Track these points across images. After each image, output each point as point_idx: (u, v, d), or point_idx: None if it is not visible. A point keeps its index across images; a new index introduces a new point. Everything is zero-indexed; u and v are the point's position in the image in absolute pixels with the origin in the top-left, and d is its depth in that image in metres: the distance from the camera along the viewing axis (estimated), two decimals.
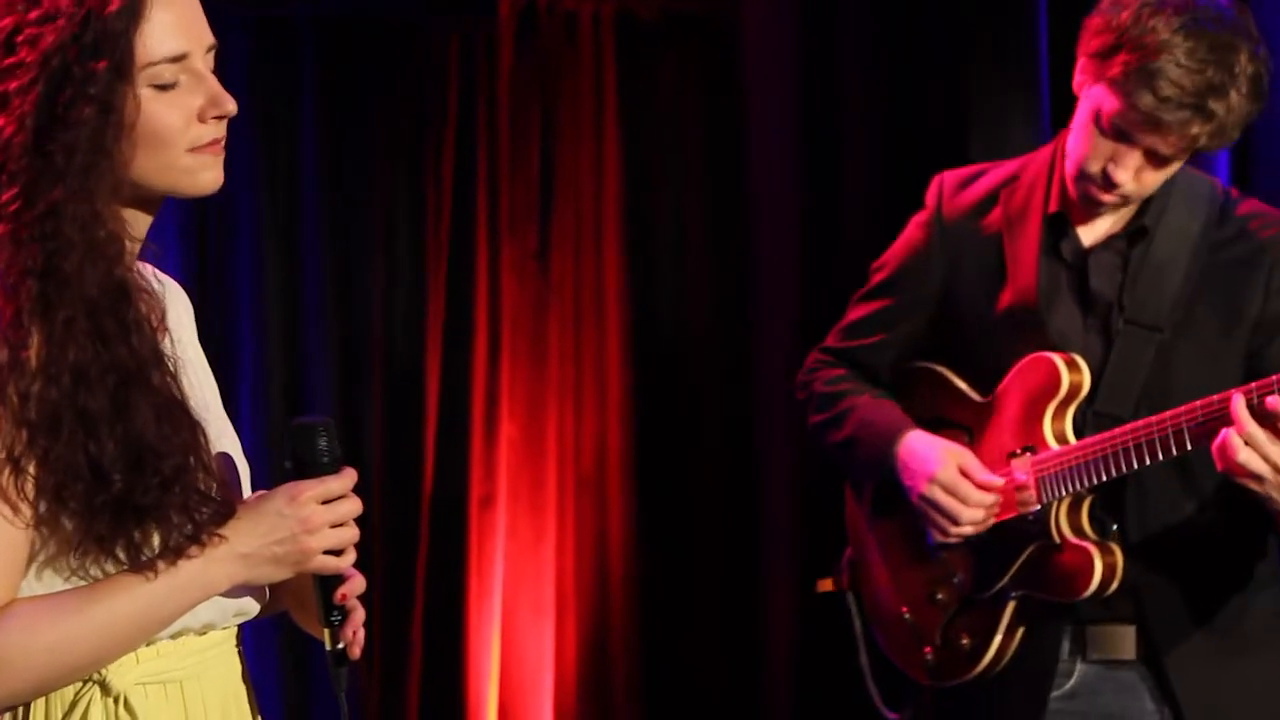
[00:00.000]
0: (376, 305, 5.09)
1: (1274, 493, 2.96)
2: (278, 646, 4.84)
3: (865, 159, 4.82)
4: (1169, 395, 3.07)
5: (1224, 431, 2.95)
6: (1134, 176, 3.11)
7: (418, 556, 5.03)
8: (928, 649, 3.36)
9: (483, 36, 5.10)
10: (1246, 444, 2.92)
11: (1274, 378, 2.92)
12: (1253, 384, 2.94)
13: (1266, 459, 2.92)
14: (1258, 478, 2.94)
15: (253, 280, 5.01)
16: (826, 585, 3.60)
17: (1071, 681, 3.25)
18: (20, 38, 2.12)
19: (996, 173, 3.39)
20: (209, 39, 2.22)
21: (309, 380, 5.05)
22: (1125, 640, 3.22)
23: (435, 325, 5.09)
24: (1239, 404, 2.92)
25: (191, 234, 4.89)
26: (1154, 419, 3.04)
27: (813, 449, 3.56)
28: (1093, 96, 3.13)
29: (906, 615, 3.40)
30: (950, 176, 3.44)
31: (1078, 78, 3.19)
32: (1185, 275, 3.19)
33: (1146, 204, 3.21)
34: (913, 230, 3.46)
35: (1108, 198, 3.15)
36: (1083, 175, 3.16)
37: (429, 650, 5.06)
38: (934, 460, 3.26)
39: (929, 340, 3.43)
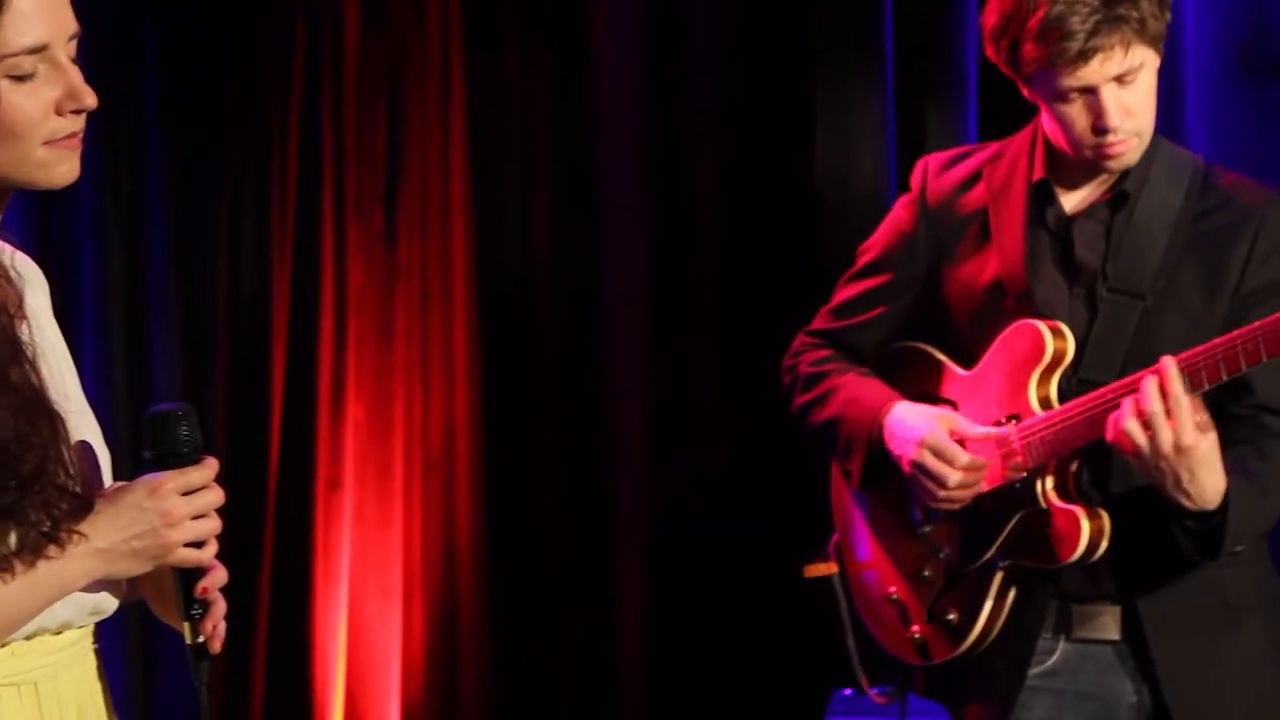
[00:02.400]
0: (220, 288, 5.04)
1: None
2: (123, 640, 4.78)
3: (712, 133, 4.85)
4: (1152, 361, 3.06)
5: None
6: (1122, 112, 3.13)
7: (263, 540, 4.99)
8: (915, 627, 3.35)
9: (328, 16, 5.05)
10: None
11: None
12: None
13: None
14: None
15: (94, 264, 4.94)
16: (816, 570, 3.54)
17: (1052, 659, 3.25)
18: None
19: (980, 154, 3.40)
20: (71, 26, 2.15)
21: (153, 365, 4.99)
22: (1109, 621, 3.23)
23: (280, 307, 5.04)
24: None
25: (32, 216, 4.81)
26: (1140, 374, 3.06)
27: (801, 432, 3.49)
28: (1040, 91, 3.18)
29: (894, 594, 3.38)
30: (935, 159, 3.45)
31: (1026, 90, 3.23)
32: (1168, 243, 3.20)
33: (1127, 170, 3.23)
34: (898, 212, 3.46)
35: (1118, 144, 3.15)
36: (1082, 145, 3.17)
37: (274, 634, 5.01)
38: (922, 426, 3.25)
39: (916, 320, 3.42)
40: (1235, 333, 2.99)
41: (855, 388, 3.39)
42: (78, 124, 2.15)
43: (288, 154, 5.04)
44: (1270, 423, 3.16)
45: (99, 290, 4.93)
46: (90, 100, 2.14)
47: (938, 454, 3.23)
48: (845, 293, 3.49)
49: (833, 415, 3.40)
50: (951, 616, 3.30)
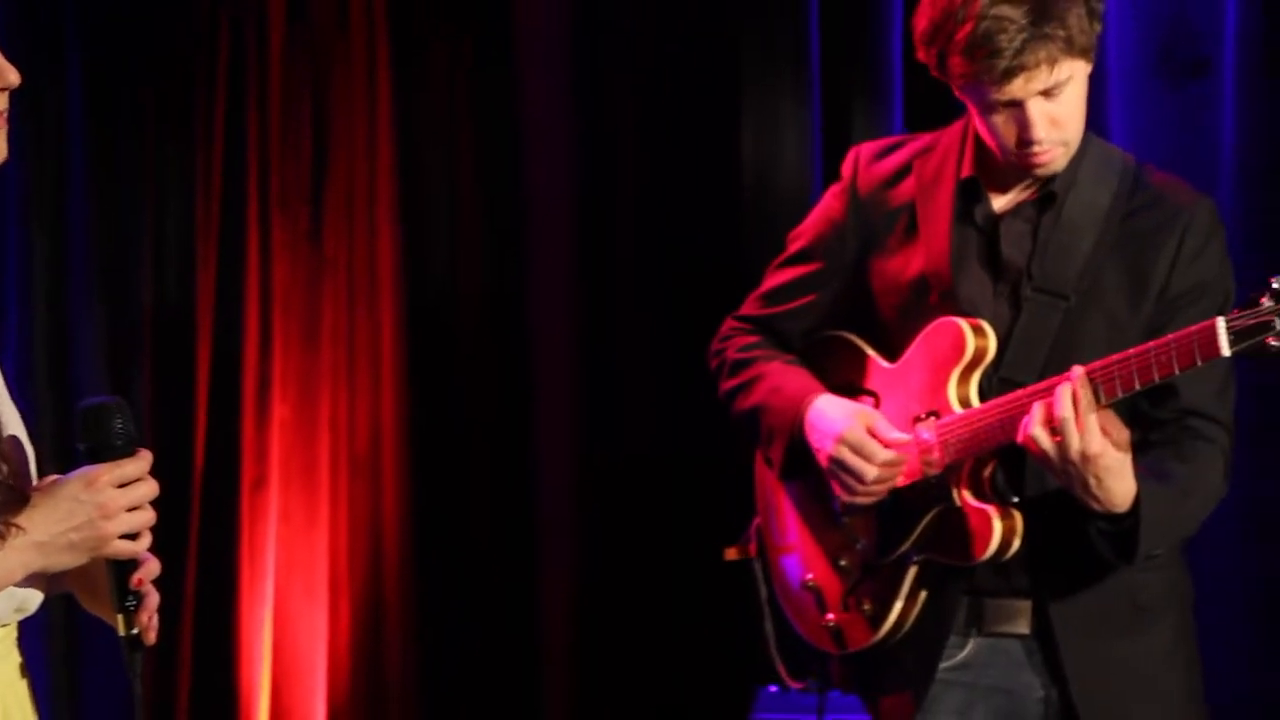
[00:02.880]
0: (145, 286, 5.01)
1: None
2: (46, 638, 4.74)
3: (639, 129, 4.86)
4: (1073, 362, 3.06)
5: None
6: (1048, 123, 3.13)
7: (189, 539, 4.97)
8: (830, 615, 3.36)
9: (252, 14, 5.03)
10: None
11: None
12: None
13: None
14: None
15: (18, 260, 4.91)
16: (733, 553, 3.56)
17: (963, 653, 3.27)
18: None
19: (912, 145, 3.39)
20: None
21: (77, 362, 4.96)
22: (1020, 615, 3.24)
23: (205, 305, 5.02)
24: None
25: None
26: (1054, 380, 3.06)
27: (726, 417, 3.49)
28: (968, 98, 3.19)
29: (812, 581, 3.39)
30: (866, 148, 3.44)
31: (957, 91, 3.24)
32: (1095, 243, 3.20)
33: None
34: (828, 200, 3.45)
35: (1044, 154, 3.16)
36: (1009, 153, 3.17)
37: (200, 634, 4.99)
38: (841, 421, 3.25)
39: (844, 309, 3.41)
40: (1149, 344, 3.00)
41: (780, 376, 3.39)
42: (1, 102, 2.14)
43: (212, 150, 5.02)
44: (1196, 424, 3.18)
45: (23, 287, 4.90)
46: (13, 77, 2.14)
47: (856, 450, 3.24)
48: (775, 279, 3.49)
49: (756, 403, 3.40)
50: (866, 607, 3.31)
